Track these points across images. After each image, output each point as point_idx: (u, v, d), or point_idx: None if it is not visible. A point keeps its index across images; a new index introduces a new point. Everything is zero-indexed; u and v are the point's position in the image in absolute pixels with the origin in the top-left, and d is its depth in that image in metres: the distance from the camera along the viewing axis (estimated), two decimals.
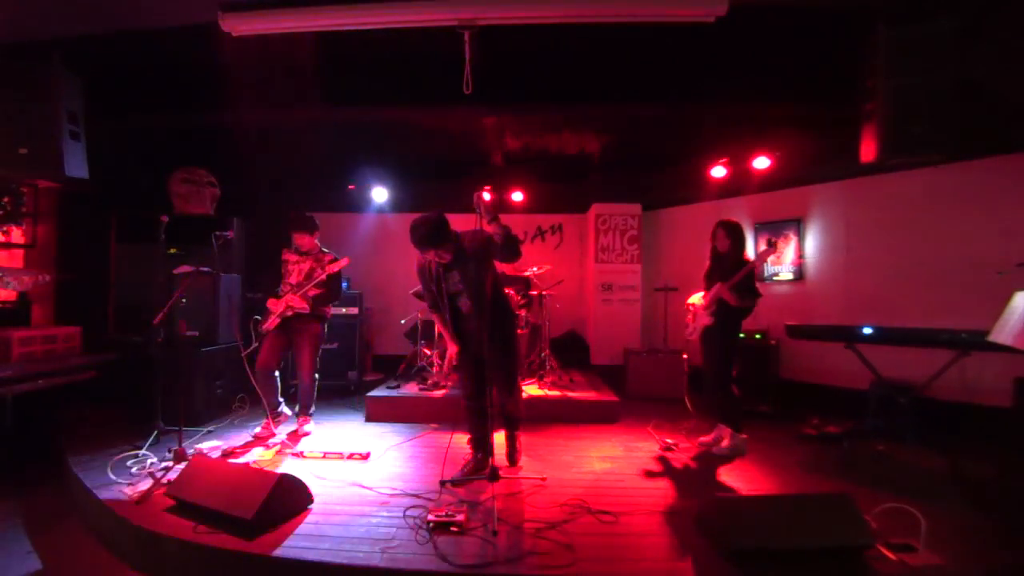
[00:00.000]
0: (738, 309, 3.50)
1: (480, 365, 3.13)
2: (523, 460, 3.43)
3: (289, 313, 3.82)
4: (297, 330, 3.90)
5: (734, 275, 3.43)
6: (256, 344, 3.88)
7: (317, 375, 4.06)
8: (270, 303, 3.88)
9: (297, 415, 4.06)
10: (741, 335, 3.77)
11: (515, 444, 3.41)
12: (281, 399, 4.01)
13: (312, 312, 3.87)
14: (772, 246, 3.35)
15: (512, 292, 4.72)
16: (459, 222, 3.01)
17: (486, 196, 2.88)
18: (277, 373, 3.93)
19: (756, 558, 2.15)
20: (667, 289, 5.90)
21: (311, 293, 3.81)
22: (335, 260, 3.89)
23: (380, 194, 6.40)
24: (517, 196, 6.54)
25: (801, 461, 3.52)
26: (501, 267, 3.23)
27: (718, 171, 5.59)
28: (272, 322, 3.85)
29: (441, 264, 2.99)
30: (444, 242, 2.87)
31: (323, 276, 3.79)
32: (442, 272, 3.02)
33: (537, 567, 2.15)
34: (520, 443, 3.46)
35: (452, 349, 3.25)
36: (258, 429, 3.90)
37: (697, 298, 3.77)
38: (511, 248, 2.89)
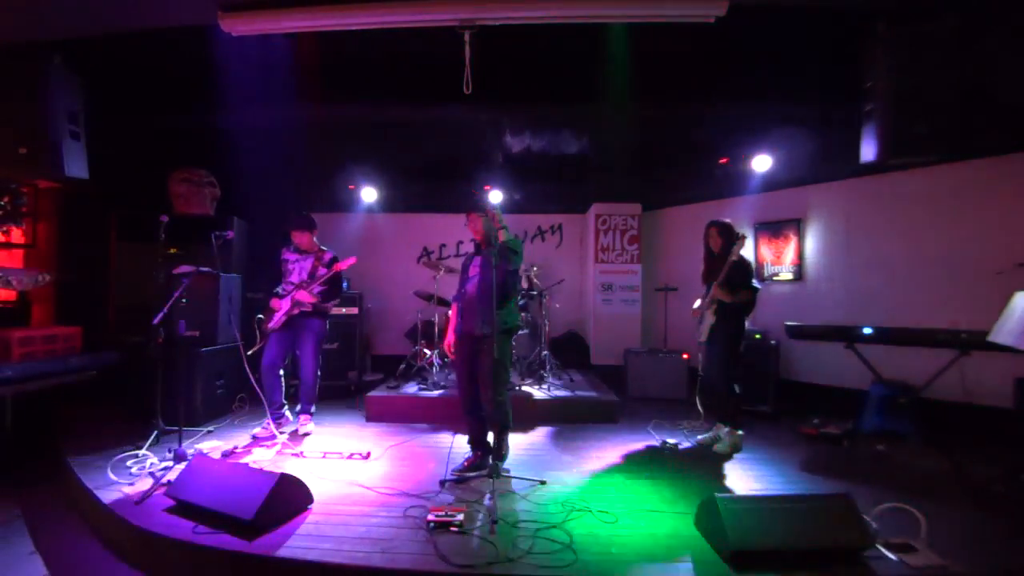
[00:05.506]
0: (736, 305, 3.55)
1: (472, 365, 3.15)
2: (510, 462, 3.30)
3: (296, 311, 3.87)
4: (301, 327, 3.95)
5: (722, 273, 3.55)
6: (261, 343, 3.92)
7: (319, 372, 4.10)
8: (274, 303, 3.91)
9: (299, 412, 4.08)
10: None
11: (500, 445, 3.23)
12: (284, 400, 4.03)
13: (315, 309, 3.93)
14: (741, 238, 3.58)
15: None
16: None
17: (493, 203, 2.98)
18: (282, 372, 3.96)
19: (756, 558, 2.15)
20: (667, 289, 5.90)
21: (316, 290, 3.87)
22: (335, 259, 3.92)
23: (379, 194, 6.40)
24: (517, 196, 6.54)
25: (801, 461, 3.52)
26: None
27: (718, 171, 5.59)
28: (278, 320, 3.88)
29: (472, 249, 3.37)
30: (479, 209, 3.20)
31: (329, 273, 3.84)
32: (469, 256, 3.35)
33: (537, 567, 2.14)
34: (505, 445, 3.29)
35: (449, 338, 3.37)
36: (258, 429, 3.90)
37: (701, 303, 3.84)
38: (504, 257, 3.06)
